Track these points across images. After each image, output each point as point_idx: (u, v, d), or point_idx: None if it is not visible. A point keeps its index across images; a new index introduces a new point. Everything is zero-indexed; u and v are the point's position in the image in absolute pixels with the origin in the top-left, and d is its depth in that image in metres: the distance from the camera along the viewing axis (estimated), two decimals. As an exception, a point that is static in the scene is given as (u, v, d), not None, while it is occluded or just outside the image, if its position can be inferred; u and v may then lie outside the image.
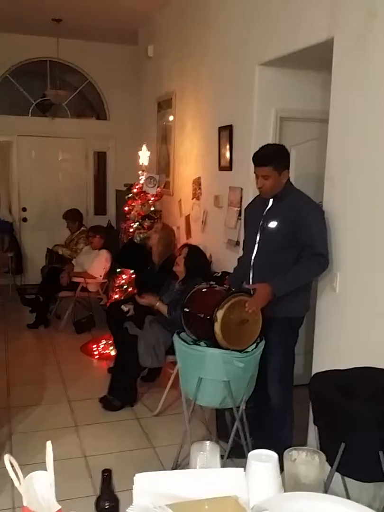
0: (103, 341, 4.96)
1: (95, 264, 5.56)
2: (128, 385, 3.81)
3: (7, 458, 1.04)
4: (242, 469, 1.08)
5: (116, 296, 4.97)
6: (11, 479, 2.83)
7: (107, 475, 1.29)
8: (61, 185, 7.43)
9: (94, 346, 4.97)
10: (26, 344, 5.26)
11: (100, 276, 5.58)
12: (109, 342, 4.82)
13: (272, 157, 2.82)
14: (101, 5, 5.48)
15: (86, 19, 6.00)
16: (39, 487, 1.07)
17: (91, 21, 6.07)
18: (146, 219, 4.95)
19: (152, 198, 5.04)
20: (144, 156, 5.12)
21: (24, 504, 1.02)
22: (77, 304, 5.80)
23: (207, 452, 1.13)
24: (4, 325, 5.54)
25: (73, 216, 6.17)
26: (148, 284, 4.21)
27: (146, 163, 5.12)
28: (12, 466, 1.03)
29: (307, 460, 1.15)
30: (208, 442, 1.21)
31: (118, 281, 5.06)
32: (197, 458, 1.12)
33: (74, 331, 5.46)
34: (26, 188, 7.25)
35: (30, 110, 7.18)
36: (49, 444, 1.05)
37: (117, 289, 5.02)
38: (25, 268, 7.25)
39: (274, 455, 1.14)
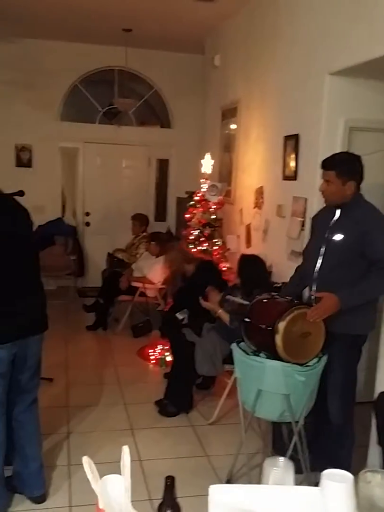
0: (160, 346, 4.99)
1: (154, 269, 5.62)
2: (184, 392, 3.81)
3: (85, 460, 1.05)
4: (318, 488, 1.04)
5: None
6: (69, 478, 2.88)
7: (170, 482, 1.28)
8: (124, 191, 7.58)
9: (151, 350, 5.01)
10: (85, 346, 5.37)
11: (159, 281, 5.63)
12: (166, 347, 4.84)
13: (338, 164, 2.75)
14: (170, 15, 5.58)
15: (155, 29, 6.11)
16: (112, 491, 1.08)
17: (159, 31, 6.17)
18: (207, 227, 4.96)
19: (214, 206, 5.05)
20: (207, 164, 5.15)
21: (100, 506, 1.02)
22: (135, 309, 5.89)
23: (281, 468, 1.11)
24: (64, 326, 5.69)
25: (141, 220, 6.29)
26: (180, 301, 4.28)
27: (209, 171, 5.14)
28: (90, 468, 1.03)
29: (383, 483, 1.10)
30: (282, 458, 1.18)
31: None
32: (270, 474, 1.10)
33: (131, 335, 5.54)
34: (90, 194, 7.46)
35: (98, 118, 7.38)
36: (125, 449, 1.05)
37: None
38: (87, 271, 7.44)
39: (348, 475, 1.09)
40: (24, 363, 2.53)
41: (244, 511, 0.93)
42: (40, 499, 2.69)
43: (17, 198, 2.63)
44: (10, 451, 2.62)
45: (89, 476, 1.04)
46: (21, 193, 2.79)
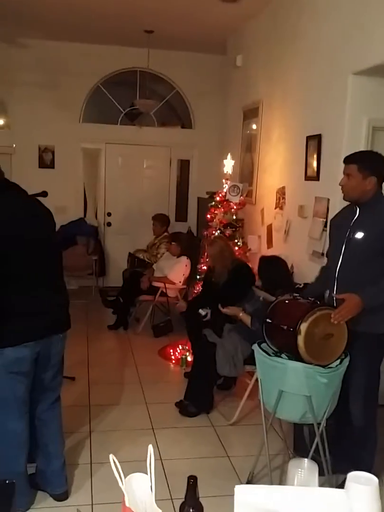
0: (180, 346, 5.00)
1: (175, 269, 5.64)
2: (204, 392, 3.81)
3: (111, 458, 1.06)
4: (343, 490, 1.04)
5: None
6: (91, 476, 2.90)
7: (192, 481, 1.29)
8: (145, 191, 7.61)
9: (171, 350, 5.03)
10: (106, 345, 5.41)
11: (180, 281, 5.65)
12: (186, 347, 4.86)
13: (360, 158, 2.75)
14: (192, 16, 5.58)
15: (177, 30, 6.13)
16: (137, 489, 1.08)
17: (181, 31, 6.19)
18: (228, 227, 4.96)
19: (235, 207, 5.04)
20: (228, 164, 5.14)
21: (126, 504, 1.03)
22: (155, 308, 5.91)
23: (305, 469, 1.11)
24: (86, 325, 5.75)
25: (162, 220, 6.32)
26: (214, 299, 4.20)
27: (230, 172, 5.13)
28: (116, 466, 1.05)
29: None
30: (306, 460, 1.18)
31: (197, 288, 5.10)
32: (294, 475, 1.10)
33: (152, 335, 5.56)
34: (112, 194, 7.51)
35: (119, 119, 7.43)
36: (150, 448, 1.06)
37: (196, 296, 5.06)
38: (108, 271, 7.50)
39: (374, 478, 1.09)
40: (48, 361, 2.56)
41: (270, 511, 0.93)
42: (62, 496, 2.72)
43: (40, 198, 2.66)
44: (33, 449, 2.66)
45: (116, 474, 1.05)
46: (44, 194, 2.83)
